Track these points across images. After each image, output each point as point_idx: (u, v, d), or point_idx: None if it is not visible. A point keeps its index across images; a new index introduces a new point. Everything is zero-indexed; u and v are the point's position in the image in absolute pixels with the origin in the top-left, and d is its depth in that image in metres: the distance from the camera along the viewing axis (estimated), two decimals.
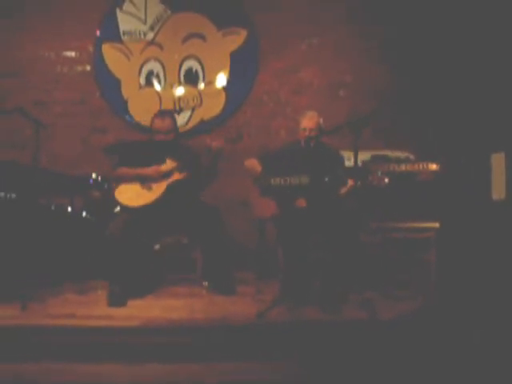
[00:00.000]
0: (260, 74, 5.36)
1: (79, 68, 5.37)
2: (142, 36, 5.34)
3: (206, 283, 3.98)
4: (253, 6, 5.32)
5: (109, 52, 5.35)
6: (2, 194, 3.83)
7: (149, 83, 5.38)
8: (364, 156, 4.22)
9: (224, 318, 3.20)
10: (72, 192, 4.32)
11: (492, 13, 4.84)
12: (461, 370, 2.70)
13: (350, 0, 5.33)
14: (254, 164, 3.90)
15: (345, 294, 3.46)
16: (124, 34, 5.33)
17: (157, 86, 5.38)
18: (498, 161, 4.30)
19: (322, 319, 3.15)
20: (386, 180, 3.42)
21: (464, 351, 2.81)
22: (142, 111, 5.32)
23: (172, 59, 5.37)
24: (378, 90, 5.19)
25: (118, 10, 5.33)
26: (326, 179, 3.56)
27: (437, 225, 3.83)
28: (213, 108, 5.37)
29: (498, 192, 4.26)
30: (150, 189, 3.82)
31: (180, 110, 5.35)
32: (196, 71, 5.38)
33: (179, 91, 5.38)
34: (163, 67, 5.38)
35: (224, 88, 5.36)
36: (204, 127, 5.30)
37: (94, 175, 4.36)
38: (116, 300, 3.51)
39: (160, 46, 5.36)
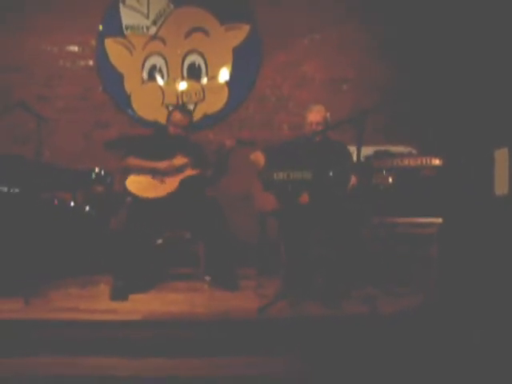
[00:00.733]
0: (263, 69, 5.35)
1: (82, 62, 5.36)
2: (145, 30, 5.33)
3: (207, 278, 3.99)
4: (256, 1, 5.31)
5: (111, 46, 5.34)
6: (5, 188, 3.84)
7: (152, 78, 5.37)
8: (367, 151, 4.21)
9: (225, 312, 3.21)
10: (75, 186, 4.32)
11: (494, 8, 4.82)
12: (461, 367, 2.70)
13: None
14: (258, 157, 3.89)
15: (346, 290, 3.46)
16: (127, 28, 5.33)
17: (160, 81, 5.37)
18: (501, 156, 4.29)
19: (324, 314, 3.15)
20: (390, 179, 3.41)
21: (465, 348, 2.81)
22: (144, 106, 5.33)
23: (175, 54, 5.36)
24: (380, 85, 5.18)
25: (120, 5, 5.31)
26: (331, 174, 3.55)
27: (439, 220, 3.82)
28: (216, 103, 5.36)
29: (500, 187, 4.25)
30: (162, 182, 3.85)
31: (183, 105, 5.34)
32: (199, 66, 5.38)
33: (182, 86, 5.37)
34: (166, 62, 5.37)
35: (227, 83, 5.36)
36: (207, 122, 5.30)
37: (96, 170, 4.36)
38: (118, 294, 3.52)
39: (163, 41, 5.35)
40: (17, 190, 3.84)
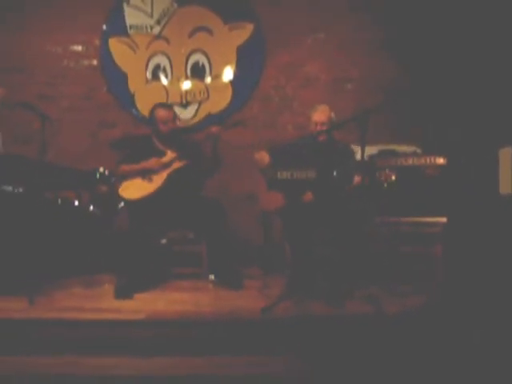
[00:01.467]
0: (266, 69, 5.34)
1: (86, 62, 5.37)
2: (149, 30, 5.34)
3: (211, 277, 3.99)
4: (259, 0, 5.30)
5: (115, 46, 5.35)
6: (10, 188, 3.85)
7: (155, 77, 5.38)
8: (371, 150, 4.20)
9: (230, 312, 3.21)
10: (79, 186, 4.34)
11: (498, 7, 4.80)
12: (465, 366, 2.69)
13: None
14: (262, 156, 3.89)
15: (350, 289, 3.46)
16: (131, 27, 5.33)
17: (163, 80, 5.37)
18: (505, 155, 4.27)
19: (328, 314, 3.15)
20: (394, 177, 3.40)
21: (469, 347, 2.80)
22: (148, 105, 5.26)
23: (179, 53, 5.36)
24: (384, 84, 5.16)
25: (124, 4, 5.32)
26: (335, 174, 3.54)
27: (444, 219, 3.81)
28: (220, 102, 5.36)
29: (505, 186, 4.23)
30: (150, 180, 3.87)
31: (187, 104, 5.35)
32: (203, 65, 5.38)
33: (186, 85, 5.37)
34: (170, 61, 5.37)
35: (231, 82, 5.36)
36: (211, 121, 5.29)
37: (101, 169, 4.37)
38: (122, 292, 3.53)
39: (167, 40, 5.36)
40: (21, 190, 3.85)
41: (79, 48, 5.36)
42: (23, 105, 3.58)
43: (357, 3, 5.27)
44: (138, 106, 5.35)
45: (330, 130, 3.81)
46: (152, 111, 4.09)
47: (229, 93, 5.36)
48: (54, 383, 2.68)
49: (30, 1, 5.30)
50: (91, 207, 4.36)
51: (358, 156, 3.60)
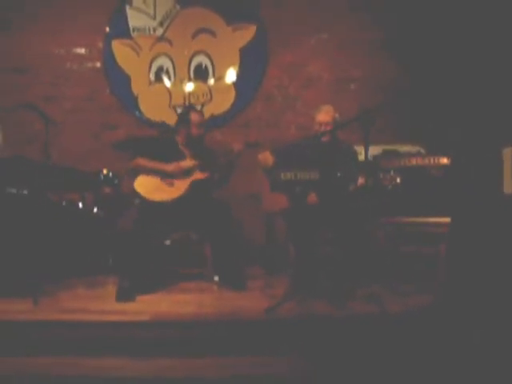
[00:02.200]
0: (269, 69, 5.36)
1: (89, 64, 5.39)
2: (152, 32, 5.35)
3: (216, 278, 3.99)
4: (262, 2, 5.31)
5: (118, 48, 5.37)
6: (14, 189, 3.86)
7: (158, 79, 5.39)
8: (375, 150, 4.20)
9: (233, 312, 3.21)
10: (83, 188, 4.35)
11: (502, 7, 4.79)
12: (467, 366, 2.69)
13: None
14: (266, 157, 3.89)
15: (354, 289, 3.45)
16: (133, 30, 5.35)
17: (167, 82, 5.39)
18: (509, 155, 4.26)
19: (331, 314, 3.14)
20: (398, 180, 3.40)
21: (471, 347, 2.79)
22: (151, 107, 5.34)
23: (182, 55, 5.38)
24: (387, 84, 5.17)
25: (127, 7, 5.34)
26: (338, 174, 3.54)
27: (447, 220, 3.80)
28: (223, 103, 5.37)
29: (509, 186, 4.22)
30: (171, 185, 3.85)
31: (191, 105, 5.35)
32: (206, 67, 5.39)
33: (189, 87, 5.38)
34: (173, 63, 5.38)
35: (234, 83, 5.36)
36: (214, 122, 5.30)
37: (104, 171, 4.38)
38: (124, 295, 3.52)
39: (169, 42, 5.37)
40: (25, 192, 3.86)
41: (82, 50, 5.38)
42: (26, 106, 3.58)
43: (358, 3, 5.28)
44: (141, 107, 5.36)
45: (334, 130, 3.80)
46: (186, 113, 4.11)
47: (232, 94, 5.36)
48: None
49: (33, 3, 5.32)
50: (95, 209, 4.37)
51: (362, 156, 3.60)
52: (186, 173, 3.91)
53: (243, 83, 5.36)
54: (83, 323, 3.02)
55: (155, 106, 5.35)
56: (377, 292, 3.26)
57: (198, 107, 5.33)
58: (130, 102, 5.36)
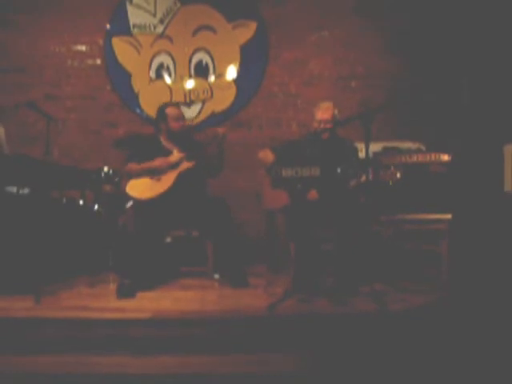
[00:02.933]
0: (270, 67, 5.35)
1: (90, 62, 5.39)
2: (152, 29, 5.35)
3: (217, 276, 3.99)
4: None
5: (119, 45, 5.36)
6: (15, 188, 3.86)
7: (159, 76, 5.39)
8: (375, 147, 4.21)
9: (235, 310, 3.21)
10: (83, 186, 4.34)
11: (501, 5, 4.80)
12: (469, 365, 2.69)
13: None
14: (267, 154, 3.88)
15: (355, 287, 3.46)
16: (134, 27, 5.34)
17: (167, 79, 5.38)
18: (510, 152, 4.26)
19: (333, 312, 3.15)
20: (398, 175, 3.39)
21: (474, 345, 2.80)
22: (152, 104, 5.31)
23: (182, 52, 5.37)
24: (388, 81, 5.17)
25: (127, 4, 5.34)
26: (339, 171, 3.54)
27: (449, 217, 3.80)
28: (223, 101, 5.37)
29: (510, 184, 4.22)
30: (159, 180, 3.85)
31: (190, 103, 5.36)
32: (206, 64, 5.38)
33: (189, 84, 5.38)
34: (173, 60, 5.38)
35: (234, 80, 5.36)
36: (215, 120, 5.31)
37: (105, 169, 4.38)
38: (125, 292, 3.53)
39: (170, 39, 5.36)
40: (26, 190, 3.86)
41: (83, 48, 5.38)
42: (28, 105, 3.58)
43: (360, 1, 5.26)
44: (142, 105, 5.36)
45: (334, 127, 3.80)
46: (161, 110, 4.05)
47: (233, 91, 5.36)
48: (60, 382, 2.69)
49: (32, 2, 5.31)
50: (96, 206, 4.37)
51: (362, 153, 3.60)
52: (174, 166, 3.91)
53: (244, 80, 5.35)
54: (84, 321, 3.02)
55: (156, 103, 5.27)
56: (378, 289, 3.26)
57: (199, 104, 5.34)
58: (131, 100, 5.36)
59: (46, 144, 3.53)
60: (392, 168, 3.43)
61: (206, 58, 5.38)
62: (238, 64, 5.35)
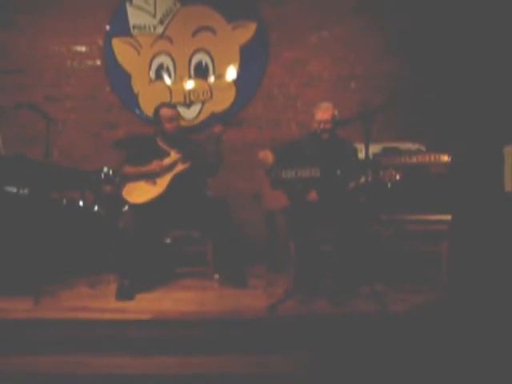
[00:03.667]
0: (270, 67, 5.35)
1: (89, 63, 5.38)
2: (152, 30, 5.35)
3: (217, 276, 3.99)
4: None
5: (119, 46, 5.36)
6: (15, 189, 3.86)
7: (159, 77, 5.38)
8: (375, 148, 4.20)
9: (235, 310, 3.21)
10: (83, 186, 4.35)
11: (502, 6, 4.80)
12: (470, 365, 2.69)
13: None
14: (267, 155, 3.88)
15: (355, 288, 3.46)
16: (134, 28, 5.34)
17: (167, 80, 5.38)
18: (510, 153, 4.26)
19: (333, 313, 3.15)
20: (398, 176, 3.39)
21: (474, 345, 2.80)
22: (152, 105, 5.24)
23: (182, 53, 5.37)
24: (388, 82, 5.16)
25: (127, 4, 5.33)
26: (338, 172, 3.54)
27: (449, 217, 3.80)
28: (223, 101, 5.36)
29: (510, 185, 4.22)
30: (154, 184, 3.85)
31: (190, 104, 5.36)
32: (206, 64, 5.38)
33: (189, 85, 5.38)
34: (173, 61, 5.38)
35: (234, 81, 5.36)
36: (214, 120, 5.29)
37: (105, 169, 4.38)
38: (124, 293, 3.52)
39: (170, 40, 5.36)
40: (26, 191, 3.86)
41: (83, 48, 5.37)
42: (27, 106, 3.58)
43: (361, 1, 5.27)
44: (142, 105, 5.36)
45: (334, 128, 3.80)
46: (156, 111, 4.05)
47: (232, 92, 5.36)
48: (60, 382, 2.69)
49: (32, 2, 5.31)
50: (96, 207, 4.36)
51: (362, 154, 3.60)
52: (169, 168, 3.90)
53: (244, 81, 5.35)
54: (84, 322, 3.02)
55: (156, 104, 5.31)
56: (378, 290, 3.26)
57: (199, 105, 5.34)
58: (131, 100, 5.36)
59: (46, 145, 3.53)
60: (391, 169, 3.43)
61: (206, 59, 5.38)
62: (237, 65, 5.35)
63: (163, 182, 3.85)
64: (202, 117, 5.36)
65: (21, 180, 3.85)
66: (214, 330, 2.98)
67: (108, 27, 5.35)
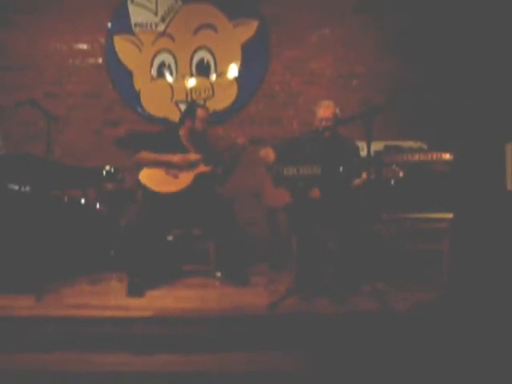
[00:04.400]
0: (271, 65, 5.35)
1: (91, 60, 5.39)
2: (154, 27, 5.35)
3: (219, 274, 4.00)
4: None
5: (120, 44, 5.36)
6: (17, 186, 3.86)
7: (160, 75, 5.39)
8: (377, 146, 4.20)
9: (236, 308, 3.21)
10: (85, 184, 4.35)
11: (503, 5, 4.80)
12: (471, 364, 2.69)
13: None
14: (268, 153, 3.87)
15: (357, 285, 3.46)
16: (135, 25, 5.34)
17: (168, 78, 5.38)
18: None
19: (335, 311, 3.14)
20: (401, 174, 3.39)
21: (475, 344, 2.80)
22: (153, 103, 5.34)
23: (183, 50, 5.37)
24: (390, 80, 5.16)
25: (129, 2, 5.34)
26: (341, 169, 3.54)
27: (451, 215, 3.80)
28: (225, 99, 5.37)
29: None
30: (176, 177, 3.84)
31: (195, 101, 5.35)
32: (208, 62, 5.38)
33: (191, 82, 5.38)
34: (175, 58, 5.38)
35: (236, 79, 5.36)
36: (216, 118, 5.29)
37: (107, 167, 4.38)
38: (135, 290, 3.53)
39: (171, 38, 5.36)
40: (28, 188, 3.86)
41: (84, 46, 5.38)
42: (28, 103, 3.58)
43: (360, 1, 5.26)
44: (143, 103, 5.36)
45: (336, 126, 3.80)
46: (192, 108, 4.11)
47: (234, 90, 5.36)
48: (61, 380, 2.69)
49: (32, 2, 5.32)
50: (98, 205, 4.37)
51: (364, 152, 3.60)
52: (191, 165, 3.90)
53: (245, 79, 5.35)
54: (86, 319, 3.03)
55: (157, 102, 5.35)
56: (381, 288, 3.26)
57: (200, 103, 5.33)
58: (132, 98, 5.36)
59: (47, 142, 3.53)
60: (394, 166, 3.43)
61: (208, 57, 5.38)
62: (239, 62, 5.35)
63: (186, 178, 3.85)
64: None
65: (23, 177, 3.85)
66: (215, 328, 2.98)
67: (110, 25, 5.35)
